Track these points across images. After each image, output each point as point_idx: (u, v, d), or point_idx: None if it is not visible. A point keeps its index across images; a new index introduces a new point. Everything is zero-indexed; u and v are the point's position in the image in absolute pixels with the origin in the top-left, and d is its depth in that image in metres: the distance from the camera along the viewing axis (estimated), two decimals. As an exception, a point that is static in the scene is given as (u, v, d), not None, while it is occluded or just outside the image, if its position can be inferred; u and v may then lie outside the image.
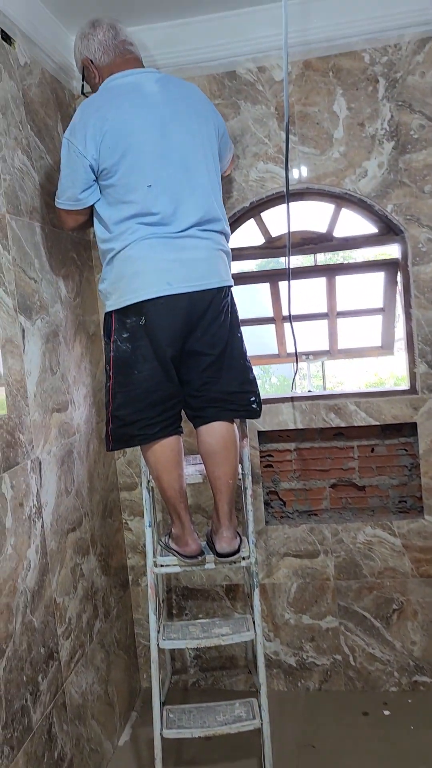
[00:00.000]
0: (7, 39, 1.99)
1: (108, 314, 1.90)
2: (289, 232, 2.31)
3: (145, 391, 1.85)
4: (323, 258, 2.83)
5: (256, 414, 1.97)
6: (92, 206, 1.92)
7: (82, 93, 2.11)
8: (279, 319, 2.77)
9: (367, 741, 2.30)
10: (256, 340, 2.54)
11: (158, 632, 1.99)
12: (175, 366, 1.88)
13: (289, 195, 2.31)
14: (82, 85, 2.09)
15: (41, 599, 1.90)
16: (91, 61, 1.96)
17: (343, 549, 2.56)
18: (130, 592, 2.73)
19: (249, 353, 2.01)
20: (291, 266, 2.41)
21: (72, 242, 2.38)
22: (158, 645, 1.96)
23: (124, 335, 1.85)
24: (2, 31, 1.95)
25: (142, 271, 1.80)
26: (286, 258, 2.35)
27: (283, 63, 2.07)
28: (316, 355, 2.86)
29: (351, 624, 2.59)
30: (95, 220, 1.93)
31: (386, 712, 2.45)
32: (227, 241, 1.97)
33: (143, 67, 1.98)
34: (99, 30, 1.94)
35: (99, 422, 2.49)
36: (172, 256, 1.80)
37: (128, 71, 1.89)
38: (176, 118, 1.85)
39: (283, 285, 2.63)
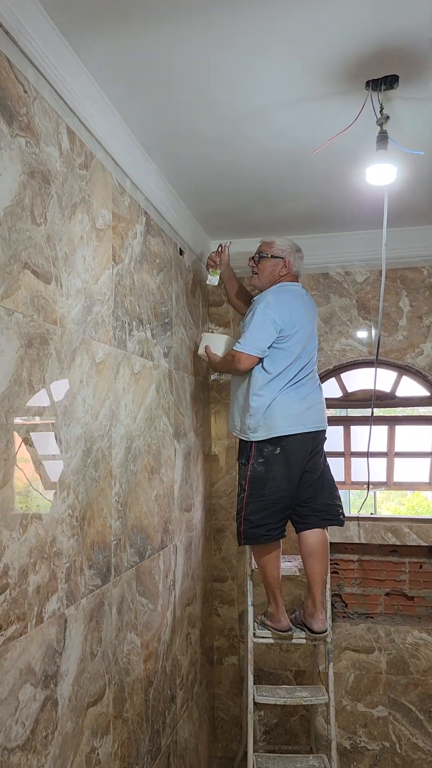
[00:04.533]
0: (181, 252, 2.96)
1: (248, 443, 2.64)
2: (374, 390, 3.11)
3: (272, 503, 2.57)
4: (381, 410, 3.61)
5: (342, 523, 2.67)
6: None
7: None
8: (348, 454, 3.52)
9: None
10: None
11: (253, 691, 2.58)
12: None
13: (369, 363, 3.14)
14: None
15: (170, 653, 2.55)
16: (288, 263, 2.81)
17: (394, 648, 3.13)
18: (214, 669, 3.31)
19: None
20: (358, 415, 3.18)
21: (200, 386, 3.23)
22: (254, 699, 2.55)
23: (260, 460, 2.60)
24: (180, 248, 2.93)
25: (286, 415, 2.56)
26: (371, 409, 3.13)
27: (382, 279, 2.93)
28: (375, 485, 3.56)
29: (399, 714, 3.09)
30: (257, 370, 2.62)
31: (427, 795, 2.90)
32: None
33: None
34: (301, 256, 2.81)
35: (206, 522, 3.21)
36: (304, 406, 2.59)
37: (295, 283, 2.78)
38: (312, 319, 2.74)
39: (354, 429, 3.41)
